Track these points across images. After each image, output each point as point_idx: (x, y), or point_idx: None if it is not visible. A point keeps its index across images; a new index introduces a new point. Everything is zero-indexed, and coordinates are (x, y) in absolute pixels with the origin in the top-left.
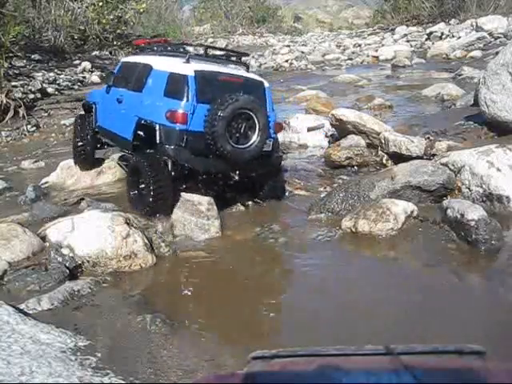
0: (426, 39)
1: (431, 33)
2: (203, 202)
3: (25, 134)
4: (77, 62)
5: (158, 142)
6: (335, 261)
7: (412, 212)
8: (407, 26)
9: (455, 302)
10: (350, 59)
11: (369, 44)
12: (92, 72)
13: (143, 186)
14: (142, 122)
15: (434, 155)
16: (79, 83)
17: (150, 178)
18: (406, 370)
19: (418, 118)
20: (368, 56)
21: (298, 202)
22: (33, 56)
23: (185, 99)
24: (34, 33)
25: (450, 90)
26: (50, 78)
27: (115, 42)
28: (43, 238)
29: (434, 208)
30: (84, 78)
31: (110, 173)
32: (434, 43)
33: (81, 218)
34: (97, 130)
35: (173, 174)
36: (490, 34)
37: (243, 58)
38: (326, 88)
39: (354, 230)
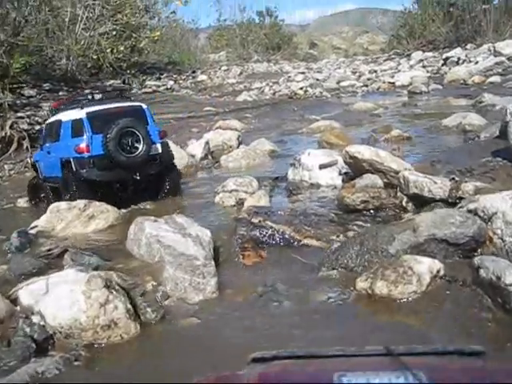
0: (443, 64)
1: (447, 58)
2: (199, 256)
3: (28, 168)
4: (88, 91)
5: (74, 169)
6: (348, 333)
7: (438, 271)
8: (423, 51)
9: None
10: (366, 86)
11: (384, 70)
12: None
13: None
14: (63, 160)
15: (460, 198)
16: None
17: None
18: (406, 370)
19: (440, 153)
20: (384, 82)
21: (308, 255)
22: (44, 85)
23: (84, 135)
24: (46, 62)
25: (472, 120)
26: None
27: (129, 71)
28: (15, 301)
29: (463, 265)
30: None
31: (103, 218)
32: (451, 68)
33: (57, 277)
34: (42, 180)
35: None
36: (509, 59)
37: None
38: (341, 117)
39: (370, 291)
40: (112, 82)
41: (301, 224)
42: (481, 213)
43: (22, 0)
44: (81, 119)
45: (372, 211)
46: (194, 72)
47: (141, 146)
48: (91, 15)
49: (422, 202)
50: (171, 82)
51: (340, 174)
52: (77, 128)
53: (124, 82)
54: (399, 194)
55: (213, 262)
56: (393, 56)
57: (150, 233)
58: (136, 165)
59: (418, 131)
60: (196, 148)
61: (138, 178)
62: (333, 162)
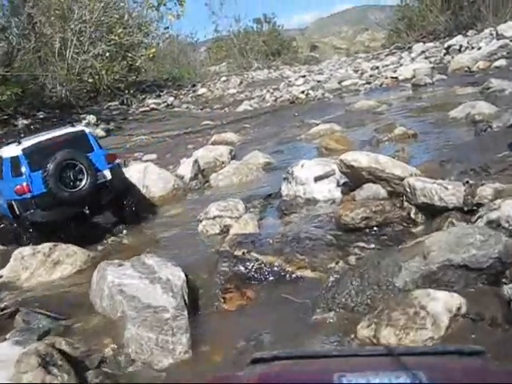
0: (445, 54)
1: (449, 46)
2: (169, 306)
3: None
4: (84, 115)
5: (18, 213)
6: None
7: (458, 308)
8: (424, 42)
9: None
10: (369, 83)
11: (386, 65)
12: (97, 125)
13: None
14: (8, 202)
15: (477, 205)
16: None
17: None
18: (406, 370)
19: (449, 149)
20: (387, 78)
21: (301, 291)
22: (38, 114)
23: (23, 174)
24: (39, 90)
25: (482, 109)
26: None
27: (127, 91)
28: None
29: (489, 295)
30: None
31: (69, 262)
32: (454, 57)
33: None
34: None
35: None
36: None
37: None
38: (342, 119)
39: (375, 340)
40: (110, 104)
41: (293, 252)
42: (505, 223)
43: (9, 30)
44: (17, 156)
45: (376, 228)
46: (193, 86)
47: (85, 178)
48: (82, 39)
49: (433, 212)
50: (171, 99)
51: (338, 185)
52: (15, 166)
53: (123, 103)
54: (406, 204)
55: (185, 313)
56: (394, 50)
57: (113, 281)
58: (82, 199)
59: (424, 126)
60: (185, 168)
61: (88, 212)
62: (329, 173)
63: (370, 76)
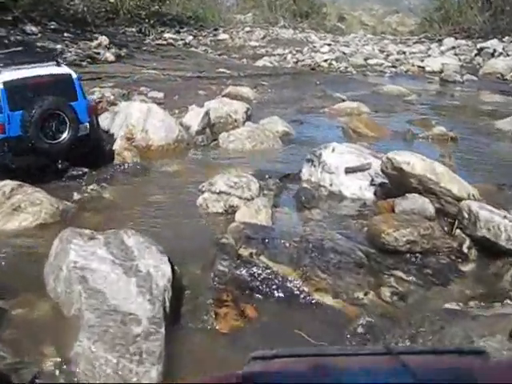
0: (476, 55)
1: (482, 48)
2: (142, 316)
3: None
4: (96, 35)
5: None
6: None
7: None
8: (456, 38)
9: None
10: (394, 67)
11: (414, 52)
12: (109, 48)
13: None
14: None
15: None
16: (89, 59)
17: None
18: (405, 369)
19: (506, 169)
20: (413, 65)
21: (317, 325)
22: (49, 23)
23: (0, 112)
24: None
25: None
26: (56, 50)
27: (148, 20)
28: None
29: None
30: (97, 54)
31: (32, 211)
32: (485, 60)
33: None
34: None
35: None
36: None
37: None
38: (369, 100)
39: None
40: (127, 29)
41: (313, 266)
42: None
43: None
44: None
45: (419, 255)
46: (215, 30)
47: (66, 131)
48: None
49: (493, 252)
50: (190, 37)
51: (372, 183)
52: None
53: (140, 31)
54: (458, 231)
55: (162, 330)
56: (423, 39)
57: (75, 262)
58: (59, 151)
59: (465, 131)
60: (193, 118)
61: (60, 166)
62: (364, 166)
63: (396, 60)
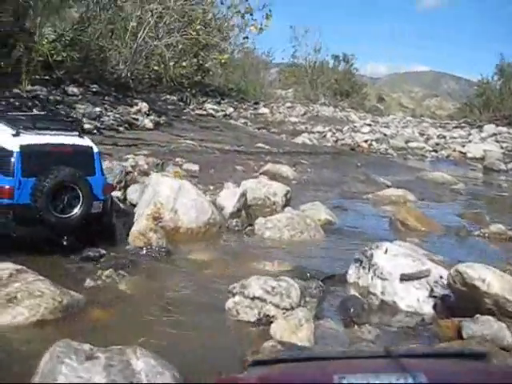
0: None
1: None
2: None
3: None
4: (137, 101)
5: None
6: None
7: None
8: (496, 125)
9: None
10: (435, 151)
11: (454, 137)
12: (148, 115)
13: None
14: None
15: None
16: (127, 125)
17: None
18: (406, 372)
19: None
20: (454, 150)
21: None
22: (91, 86)
23: (11, 175)
24: (102, 64)
25: None
26: (95, 113)
27: (190, 89)
28: None
29: None
30: (136, 120)
31: (29, 304)
32: None
33: None
34: None
35: None
36: None
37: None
38: (414, 186)
39: None
40: (168, 97)
41: None
42: None
43: None
44: (12, 152)
45: None
46: (256, 103)
47: (78, 206)
48: (160, 24)
49: None
50: (231, 109)
51: (432, 295)
52: (5, 161)
53: (181, 100)
54: None
55: None
56: (463, 124)
57: None
58: (67, 227)
59: None
60: (228, 198)
61: (65, 243)
62: (422, 273)
63: (436, 144)
